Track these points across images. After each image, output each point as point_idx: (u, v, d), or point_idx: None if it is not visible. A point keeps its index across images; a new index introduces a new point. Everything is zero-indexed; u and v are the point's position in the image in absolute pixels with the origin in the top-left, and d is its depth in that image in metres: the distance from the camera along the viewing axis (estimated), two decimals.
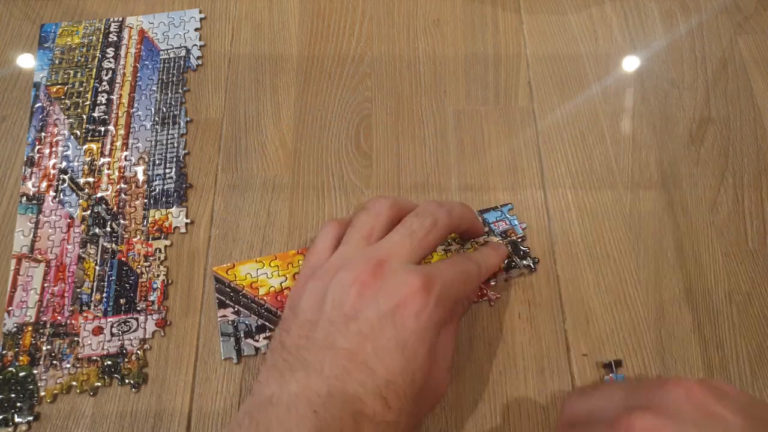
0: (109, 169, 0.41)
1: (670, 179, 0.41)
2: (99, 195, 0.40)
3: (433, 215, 0.31)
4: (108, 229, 0.39)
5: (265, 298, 0.36)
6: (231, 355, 0.35)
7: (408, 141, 0.42)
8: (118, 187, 0.40)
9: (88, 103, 0.43)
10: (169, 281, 0.37)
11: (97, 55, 0.45)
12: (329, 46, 0.45)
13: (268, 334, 0.35)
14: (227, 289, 0.37)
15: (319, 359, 0.27)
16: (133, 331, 0.36)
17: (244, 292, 0.36)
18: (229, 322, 0.36)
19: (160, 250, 0.38)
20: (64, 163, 0.41)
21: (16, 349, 0.35)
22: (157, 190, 0.40)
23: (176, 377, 0.35)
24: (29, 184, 0.40)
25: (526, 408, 0.34)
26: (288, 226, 0.39)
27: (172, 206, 0.39)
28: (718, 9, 0.47)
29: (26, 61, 0.45)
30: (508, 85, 0.44)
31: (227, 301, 0.36)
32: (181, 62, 0.44)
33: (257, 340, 0.35)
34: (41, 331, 0.36)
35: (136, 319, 0.36)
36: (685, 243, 0.38)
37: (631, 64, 0.45)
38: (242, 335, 0.35)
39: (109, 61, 0.44)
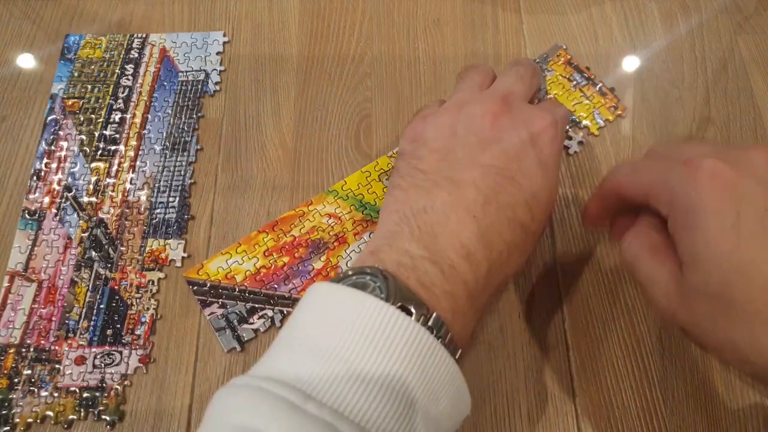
0: (113, 191, 0.40)
1: None
2: (100, 217, 0.39)
3: (531, 64, 0.36)
4: (104, 254, 0.38)
5: (245, 283, 0.36)
6: (233, 346, 0.35)
7: None
8: (119, 210, 0.39)
9: (101, 120, 0.42)
10: (159, 316, 0.36)
11: (117, 71, 0.44)
12: (329, 46, 0.45)
13: (261, 314, 0.36)
14: (204, 288, 0.37)
15: (468, 175, 0.29)
16: (116, 364, 0.35)
17: (222, 285, 0.37)
18: (219, 317, 0.36)
19: (153, 282, 0.37)
20: (70, 180, 0.40)
21: None
22: (157, 219, 0.39)
23: (176, 377, 0.35)
24: (33, 198, 0.39)
25: (526, 408, 0.34)
26: None
27: (171, 237, 0.38)
28: (718, 9, 0.47)
29: (26, 60, 0.45)
30: None
31: (209, 299, 0.36)
32: (199, 86, 0.44)
33: (252, 323, 0.36)
34: (24, 354, 0.35)
35: (120, 353, 0.35)
36: None
37: (630, 64, 0.45)
38: (236, 323, 0.36)
39: (128, 79, 0.44)
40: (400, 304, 0.24)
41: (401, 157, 0.33)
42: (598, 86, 0.43)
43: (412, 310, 0.24)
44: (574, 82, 0.43)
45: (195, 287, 0.36)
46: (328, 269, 0.37)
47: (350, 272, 0.26)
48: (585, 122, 0.42)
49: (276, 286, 0.37)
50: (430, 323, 0.24)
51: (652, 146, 0.33)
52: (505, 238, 0.28)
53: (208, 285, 0.37)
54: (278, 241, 0.38)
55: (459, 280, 0.27)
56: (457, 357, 0.25)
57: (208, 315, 0.36)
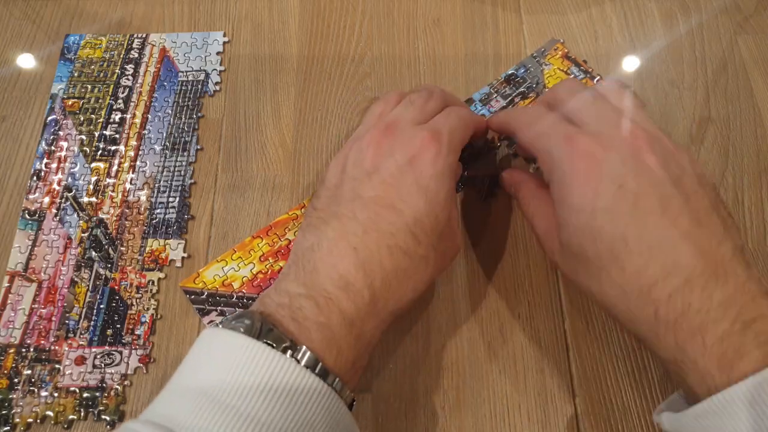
0: (113, 191, 0.40)
1: None
2: (100, 217, 0.39)
3: (427, 89, 0.36)
4: (104, 254, 0.38)
5: (242, 290, 0.36)
6: None
7: None
8: (119, 210, 0.39)
9: (101, 120, 0.42)
10: (159, 316, 0.36)
11: (117, 71, 0.44)
12: (329, 46, 0.45)
13: None
14: (202, 297, 0.36)
15: (349, 209, 0.30)
16: (116, 364, 0.35)
17: (219, 293, 0.36)
18: (218, 324, 0.35)
19: (153, 282, 0.37)
20: (70, 180, 0.40)
21: None
22: (157, 219, 0.39)
23: None
24: (33, 198, 0.39)
25: (526, 408, 0.34)
26: None
27: (171, 237, 0.38)
28: (718, 9, 0.47)
29: (26, 60, 0.45)
30: None
31: (207, 308, 0.36)
32: (199, 86, 0.44)
33: None
34: (24, 354, 0.35)
35: (120, 353, 0.35)
36: None
37: (631, 64, 0.45)
38: None
39: (128, 79, 0.44)
40: (265, 340, 0.25)
41: (311, 199, 0.34)
42: (596, 79, 0.43)
43: (274, 345, 0.25)
44: (572, 76, 0.44)
45: (192, 296, 0.36)
46: None
47: (231, 318, 0.27)
48: None
49: None
50: (299, 355, 0.25)
51: (551, 92, 0.35)
52: (387, 266, 0.29)
53: (206, 293, 0.36)
54: (273, 245, 0.38)
55: (335, 310, 0.27)
56: (334, 383, 0.26)
57: (207, 323, 0.36)
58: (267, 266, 0.37)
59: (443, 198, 0.30)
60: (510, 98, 0.42)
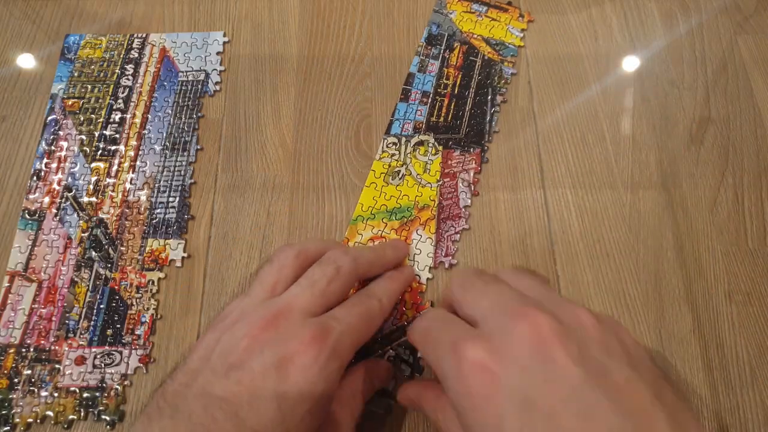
0: (113, 191, 0.40)
1: (670, 179, 0.41)
2: (100, 217, 0.39)
3: (335, 263, 0.31)
4: (104, 254, 0.38)
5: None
6: None
7: None
8: (119, 210, 0.39)
9: (101, 120, 0.42)
10: (159, 316, 0.36)
11: (117, 71, 0.44)
12: (329, 46, 0.45)
13: None
14: None
15: (190, 407, 0.26)
16: (116, 364, 0.35)
17: None
18: None
19: (153, 282, 0.37)
20: (70, 180, 0.40)
21: None
22: (157, 219, 0.39)
23: None
24: (33, 198, 0.39)
25: None
26: (288, 226, 0.39)
27: (171, 237, 0.38)
28: (718, 9, 0.47)
29: (26, 60, 0.45)
30: (508, 84, 0.44)
31: None
32: (199, 86, 0.44)
33: None
34: (24, 354, 0.35)
35: (120, 353, 0.35)
36: (685, 243, 0.38)
37: (631, 64, 0.45)
38: None
39: (128, 79, 0.44)
40: None
41: (171, 373, 0.31)
42: (496, 6, 0.46)
43: None
44: (477, 13, 0.46)
45: None
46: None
47: None
48: (509, 42, 0.45)
49: None
50: None
51: (454, 284, 0.29)
52: None
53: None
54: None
55: None
56: None
57: None
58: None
59: (302, 413, 0.26)
60: (440, 56, 0.44)
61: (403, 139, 0.41)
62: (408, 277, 0.36)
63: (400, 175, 0.40)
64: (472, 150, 0.41)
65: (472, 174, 0.40)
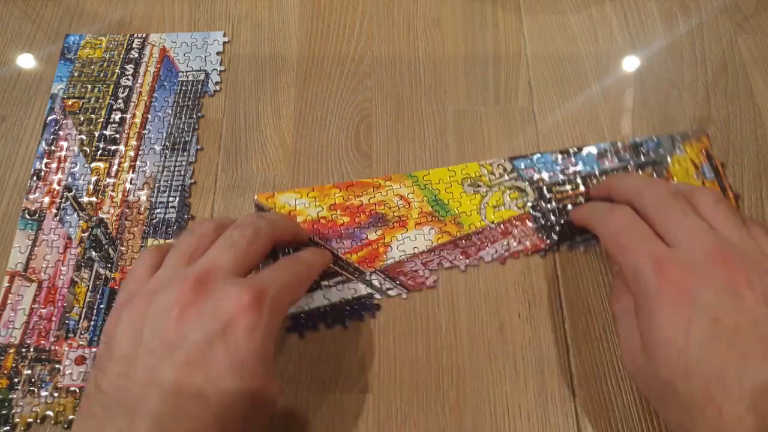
0: (113, 191, 0.40)
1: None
2: (100, 217, 0.39)
3: (253, 224, 0.30)
4: (104, 254, 0.38)
5: (302, 225, 0.38)
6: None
7: (408, 141, 0.42)
8: (119, 210, 0.39)
9: (101, 120, 0.42)
10: None
11: (117, 71, 0.44)
12: (329, 46, 0.45)
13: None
14: None
15: (143, 399, 0.24)
16: None
17: None
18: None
19: None
20: (70, 180, 0.40)
21: None
22: (157, 219, 0.39)
23: None
24: (33, 198, 0.39)
25: (526, 408, 0.34)
26: None
27: (171, 237, 0.38)
28: (718, 9, 0.47)
29: (26, 60, 0.45)
30: (508, 85, 0.44)
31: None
32: (199, 86, 0.44)
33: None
34: (24, 354, 0.35)
35: None
36: None
37: (631, 64, 0.45)
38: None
39: (128, 79, 0.44)
40: None
41: (93, 363, 0.29)
42: (722, 185, 0.40)
43: None
44: (701, 173, 0.40)
45: (259, 211, 0.37)
46: (379, 244, 0.38)
47: None
48: None
49: (328, 239, 0.38)
50: None
51: (627, 180, 0.33)
52: None
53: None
54: (347, 200, 0.39)
55: None
56: None
57: None
58: (333, 216, 0.39)
59: (261, 376, 0.25)
60: (626, 164, 0.40)
61: (512, 173, 0.40)
62: (328, 255, 0.36)
63: (474, 189, 0.40)
64: (538, 235, 0.38)
65: (511, 247, 0.38)
